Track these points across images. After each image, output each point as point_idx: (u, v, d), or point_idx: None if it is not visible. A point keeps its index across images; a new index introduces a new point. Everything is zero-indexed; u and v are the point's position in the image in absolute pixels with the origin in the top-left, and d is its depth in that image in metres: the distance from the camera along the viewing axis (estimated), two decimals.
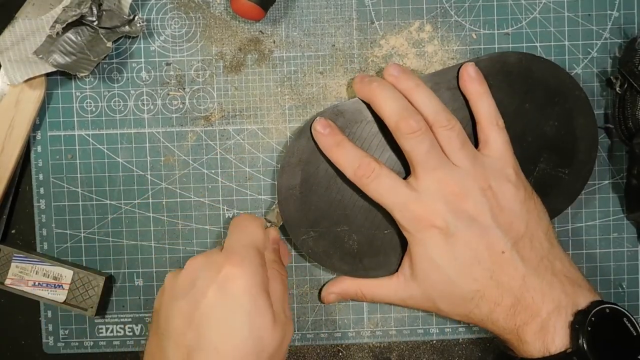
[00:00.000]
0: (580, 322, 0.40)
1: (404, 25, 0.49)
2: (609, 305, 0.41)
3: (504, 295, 0.42)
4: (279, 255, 0.45)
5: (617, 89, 0.48)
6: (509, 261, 0.42)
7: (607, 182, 0.50)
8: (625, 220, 0.50)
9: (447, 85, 0.47)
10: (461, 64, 0.46)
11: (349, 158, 0.45)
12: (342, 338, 0.50)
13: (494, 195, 0.43)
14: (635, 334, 0.41)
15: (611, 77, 0.48)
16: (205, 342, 0.38)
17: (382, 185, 0.44)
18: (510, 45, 0.49)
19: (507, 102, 0.47)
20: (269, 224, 0.47)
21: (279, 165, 0.48)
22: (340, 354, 0.51)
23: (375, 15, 0.49)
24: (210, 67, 0.49)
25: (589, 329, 0.40)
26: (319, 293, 0.50)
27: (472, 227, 0.43)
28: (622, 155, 0.50)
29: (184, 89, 0.49)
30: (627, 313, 0.42)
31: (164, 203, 0.50)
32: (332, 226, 0.47)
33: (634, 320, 0.41)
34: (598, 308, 0.41)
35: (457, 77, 0.47)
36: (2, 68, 0.47)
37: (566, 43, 0.49)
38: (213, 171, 0.50)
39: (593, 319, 0.40)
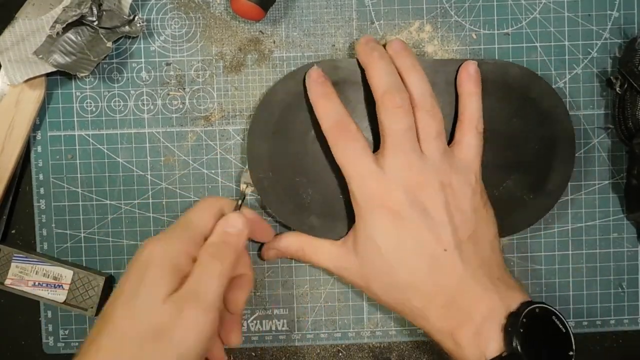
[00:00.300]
0: (512, 324, 0.40)
1: (404, 25, 0.49)
2: (539, 305, 0.41)
3: (439, 293, 0.42)
4: (231, 241, 0.40)
5: (617, 89, 0.48)
6: (449, 260, 0.42)
7: (607, 182, 0.50)
8: (625, 220, 0.50)
9: (445, 76, 0.47)
10: (464, 60, 0.47)
11: (331, 111, 0.45)
12: (342, 338, 0.50)
13: (453, 194, 0.43)
14: (564, 330, 0.41)
15: (611, 77, 0.48)
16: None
17: (351, 150, 0.44)
18: (510, 46, 0.49)
19: (498, 111, 0.47)
20: (244, 185, 0.46)
21: (259, 100, 0.48)
22: (340, 354, 0.51)
23: (375, 15, 0.49)
24: (210, 67, 0.49)
25: (521, 330, 0.40)
26: (259, 250, 0.49)
27: (422, 218, 0.42)
28: (622, 155, 0.50)
29: (184, 89, 0.49)
30: (555, 311, 0.42)
31: (164, 203, 0.50)
32: (292, 174, 0.47)
33: (562, 318, 0.42)
34: (528, 309, 0.41)
35: (457, 71, 0.47)
36: (2, 68, 0.47)
37: (566, 43, 0.49)
38: (213, 171, 0.50)
39: (524, 320, 0.40)
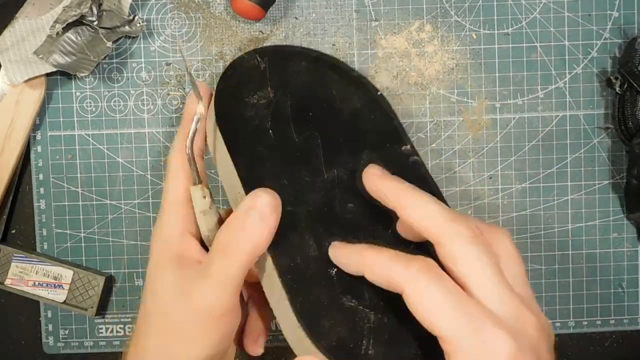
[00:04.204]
0: None
1: (404, 25, 0.49)
2: None
3: None
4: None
5: (617, 89, 0.48)
6: None
7: (607, 182, 0.50)
8: (625, 220, 0.50)
9: None
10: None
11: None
12: None
13: None
14: None
15: (611, 77, 0.48)
16: None
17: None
18: (510, 46, 0.49)
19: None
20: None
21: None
22: None
23: (375, 15, 0.49)
24: (210, 67, 0.49)
25: None
26: None
27: None
28: (622, 155, 0.50)
29: (184, 89, 0.49)
30: None
31: None
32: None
33: None
34: None
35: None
36: (2, 68, 0.47)
37: (566, 43, 0.49)
38: (213, 171, 0.49)
39: None
